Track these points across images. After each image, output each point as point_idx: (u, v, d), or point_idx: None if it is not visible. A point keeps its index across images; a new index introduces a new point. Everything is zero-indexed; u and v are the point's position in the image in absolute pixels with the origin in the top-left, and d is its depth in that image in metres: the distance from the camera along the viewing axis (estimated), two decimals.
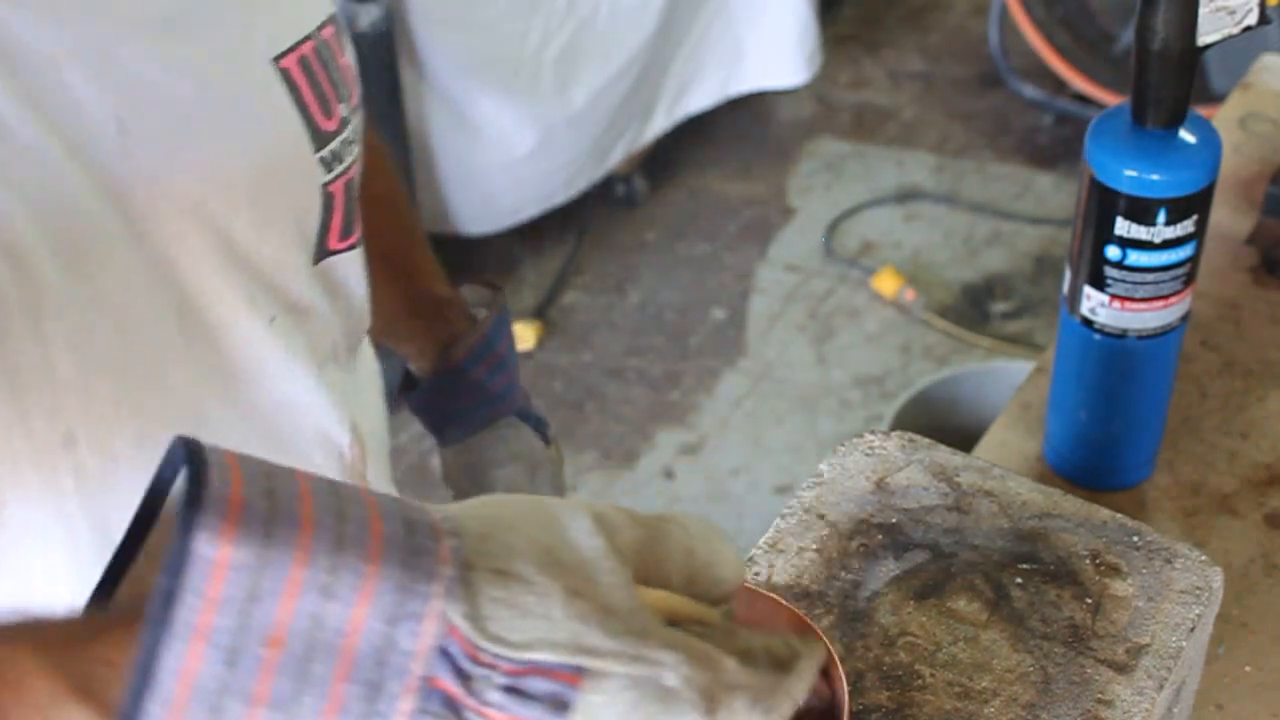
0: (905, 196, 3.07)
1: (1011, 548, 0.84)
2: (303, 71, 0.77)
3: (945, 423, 2.21)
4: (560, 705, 0.49)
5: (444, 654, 0.48)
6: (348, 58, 0.84)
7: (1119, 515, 0.86)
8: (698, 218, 3.06)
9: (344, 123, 0.80)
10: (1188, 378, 1.17)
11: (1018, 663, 0.79)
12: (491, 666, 0.49)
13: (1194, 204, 0.95)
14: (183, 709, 0.45)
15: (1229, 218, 1.31)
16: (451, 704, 0.48)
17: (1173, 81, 0.92)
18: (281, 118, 0.76)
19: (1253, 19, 0.90)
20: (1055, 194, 3.05)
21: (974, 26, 3.47)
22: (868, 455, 0.90)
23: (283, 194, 0.77)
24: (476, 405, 1.13)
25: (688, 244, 3.00)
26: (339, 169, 0.80)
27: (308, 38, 0.78)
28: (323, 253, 0.81)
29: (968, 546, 0.85)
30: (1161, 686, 0.77)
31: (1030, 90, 3.19)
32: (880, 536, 0.85)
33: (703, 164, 3.17)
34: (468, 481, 1.14)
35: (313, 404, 0.80)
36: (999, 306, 2.81)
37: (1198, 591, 0.82)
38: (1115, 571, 0.83)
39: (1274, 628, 1.00)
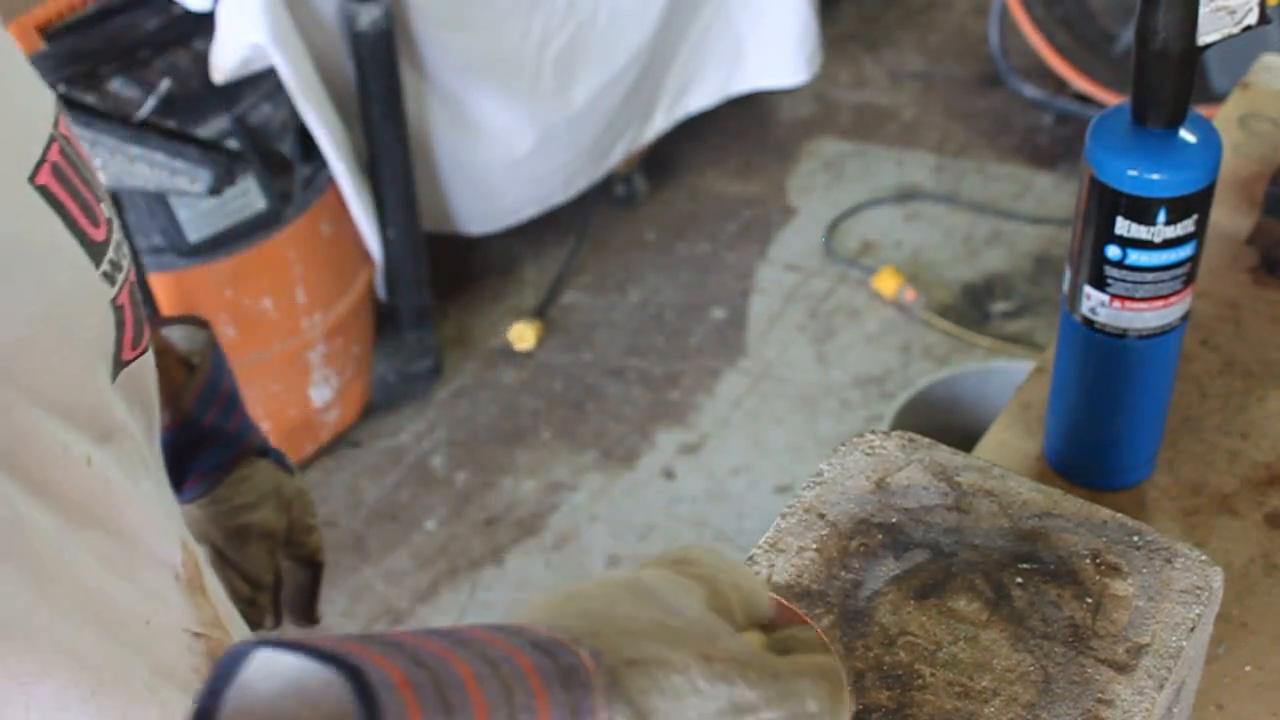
0: (905, 196, 3.07)
1: (1011, 547, 0.84)
2: (59, 182, 0.69)
3: (945, 423, 2.22)
4: None
5: None
6: (83, 145, 0.76)
7: (1119, 515, 0.86)
8: (698, 217, 3.06)
9: (110, 224, 0.73)
10: (1188, 378, 1.17)
11: (1018, 662, 0.79)
12: None
13: (1194, 204, 0.95)
14: None
15: (1229, 218, 1.31)
16: None
17: (1173, 81, 0.92)
18: (58, 245, 0.68)
19: (1253, 19, 0.90)
20: (1055, 194, 3.05)
21: (974, 26, 3.47)
22: (868, 455, 0.90)
23: (81, 329, 0.70)
24: (217, 450, 1.04)
25: (688, 244, 3.00)
26: (120, 277, 0.73)
27: (51, 140, 0.69)
28: (119, 366, 0.75)
29: (968, 546, 0.85)
30: (1161, 686, 0.77)
31: (1030, 90, 3.19)
32: (880, 536, 0.85)
33: (703, 164, 3.17)
34: (221, 532, 1.05)
35: (139, 529, 0.75)
36: (999, 306, 2.81)
37: (1198, 591, 0.82)
38: (1115, 571, 0.83)
39: (1274, 628, 1.00)
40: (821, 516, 0.87)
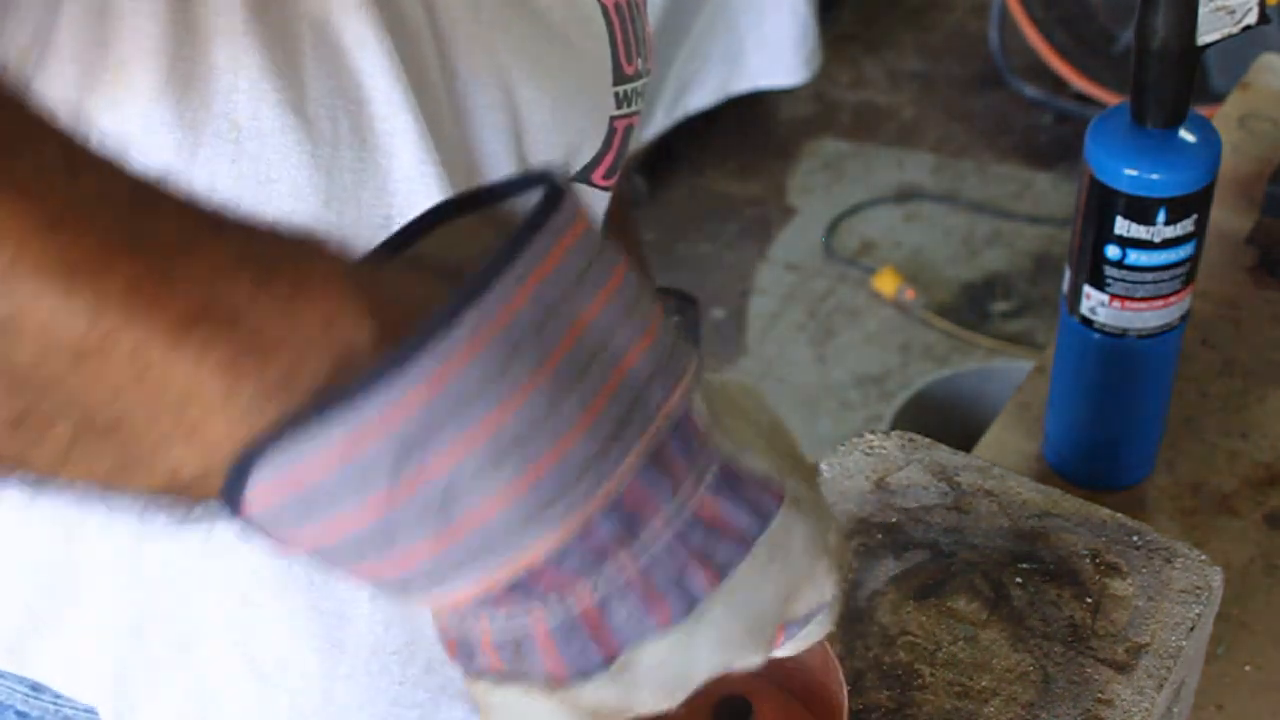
0: (905, 196, 3.07)
1: (1011, 547, 0.84)
2: (617, 14, 0.80)
3: (945, 423, 2.21)
4: (762, 514, 0.51)
5: (677, 427, 0.49)
6: (651, 27, 0.87)
7: (1119, 515, 0.86)
8: (698, 217, 3.06)
9: (639, 74, 0.83)
10: (1188, 378, 1.17)
11: (1017, 662, 0.79)
12: (710, 458, 0.50)
13: (1194, 203, 0.95)
14: (480, 346, 0.44)
15: (1229, 217, 1.31)
16: (671, 473, 0.49)
17: (1173, 81, 0.92)
18: (596, 43, 0.79)
19: (1252, 18, 0.90)
20: (1055, 194, 3.05)
21: (974, 26, 3.47)
22: (867, 455, 0.90)
23: (576, 107, 0.78)
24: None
25: (687, 243, 3.00)
26: (628, 109, 0.82)
27: None
28: (583, 180, 0.82)
29: (967, 546, 0.84)
30: (1161, 686, 0.77)
31: (1030, 90, 3.19)
32: (880, 536, 0.85)
33: (703, 164, 3.17)
34: None
35: None
36: (999, 306, 2.81)
37: (1197, 591, 0.82)
38: (1115, 571, 0.83)
39: (1274, 628, 1.00)
40: None
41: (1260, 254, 1.28)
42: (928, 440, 0.91)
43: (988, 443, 1.15)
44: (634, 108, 0.84)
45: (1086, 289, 1.00)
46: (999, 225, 2.99)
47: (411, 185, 0.71)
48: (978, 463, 0.90)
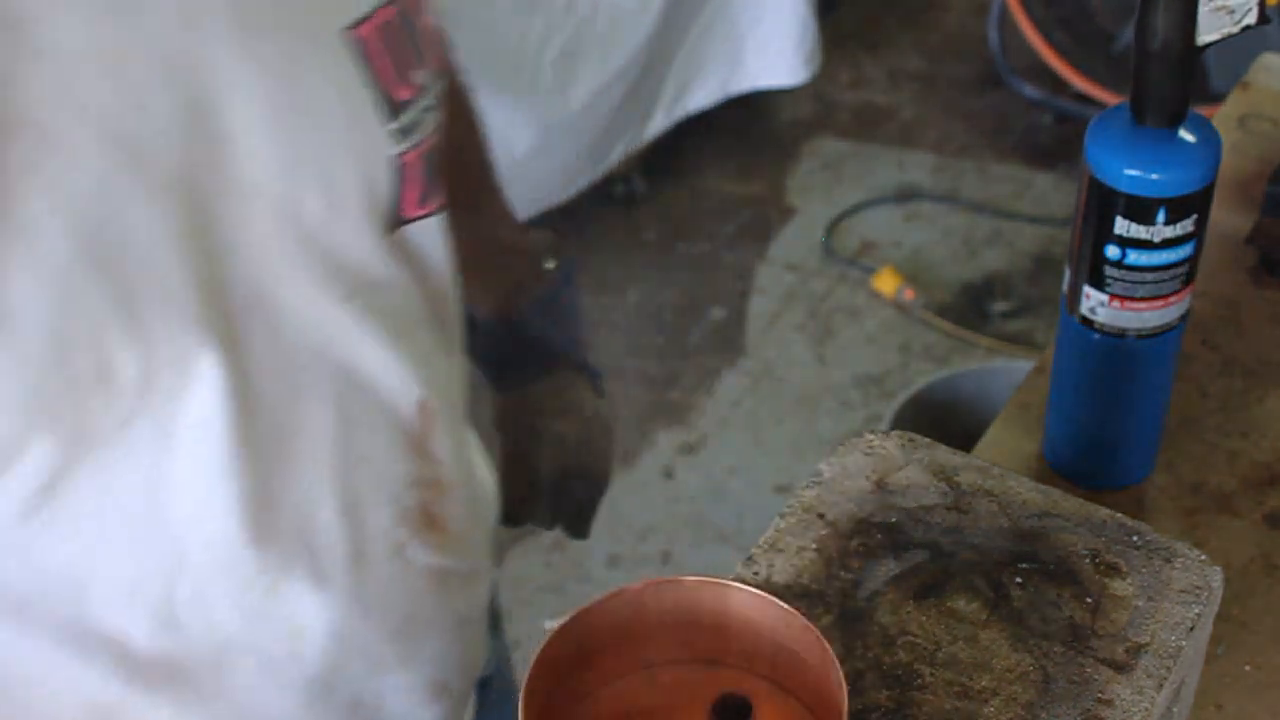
0: (905, 196, 3.07)
1: (1011, 547, 0.84)
2: (379, 39, 0.75)
3: (945, 423, 2.22)
4: None
5: None
6: (431, 16, 0.82)
7: (1118, 515, 0.86)
8: (697, 217, 3.06)
9: (422, 90, 0.79)
10: (1188, 378, 1.17)
11: (1017, 662, 0.79)
12: None
13: (1193, 203, 0.95)
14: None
15: (1229, 217, 1.31)
16: None
17: (1172, 81, 0.92)
18: (348, 91, 0.74)
19: (1252, 18, 0.90)
20: (1055, 194, 3.05)
21: (974, 26, 3.47)
22: (867, 455, 0.90)
23: (351, 169, 0.75)
24: (536, 356, 1.13)
25: (687, 243, 3.00)
26: (414, 139, 0.78)
27: (389, 3, 0.76)
28: (397, 221, 0.80)
29: (967, 546, 0.84)
30: (1161, 686, 0.77)
31: (1030, 90, 3.19)
32: (880, 536, 0.85)
33: (702, 164, 3.17)
34: (519, 430, 1.13)
35: (380, 376, 0.80)
36: (999, 306, 2.81)
37: (1197, 591, 0.82)
38: (1115, 571, 0.83)
39: (1274, 628, 1.00)
40: (821, 516, 0.86)
41: (1260, 254, 1.28)
42: (928, 440, 0.91)
43: (988, 443, 1.15)
44: (422, 133, 0.79)
45: (1086, 289, 1.00)
46: (999, 225, 2.99)
47: None
48: (978, 463, 0.90)
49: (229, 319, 0.72)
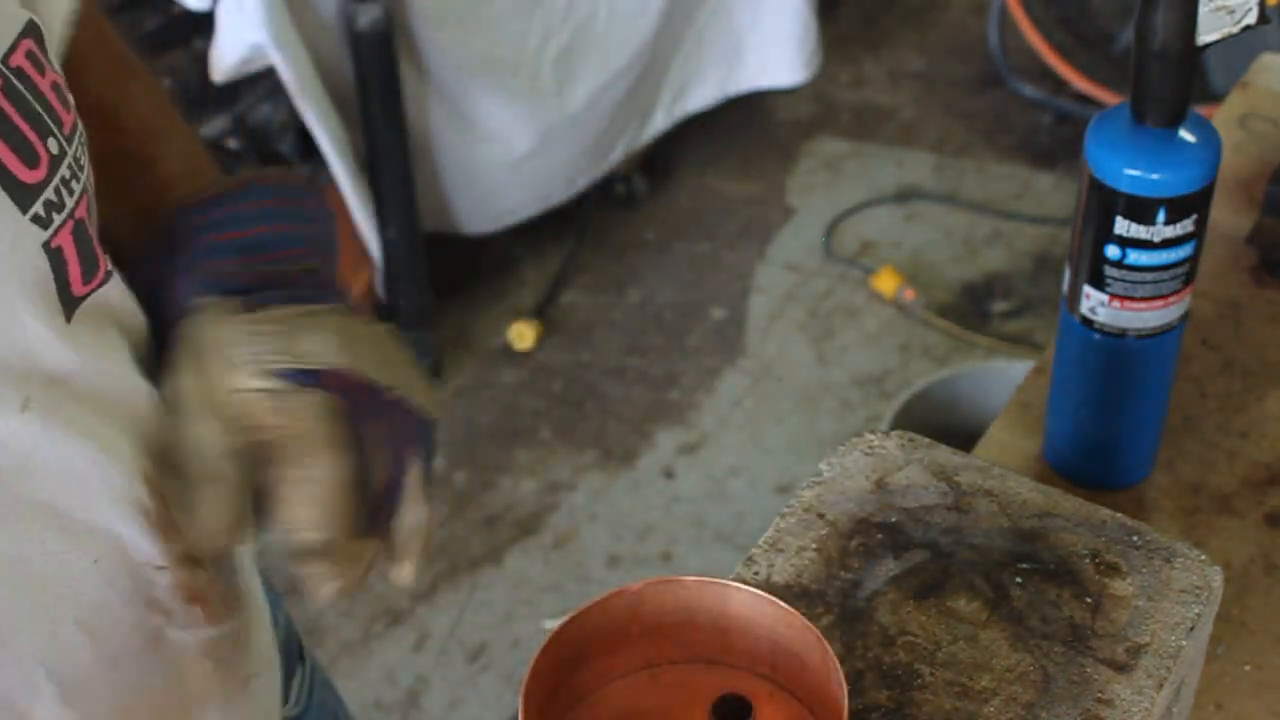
0: (905, 196, 3.07)
1: (1011, 547, 0.84)
2: (6, 98, 0.67)
3: (945, 423, 2.22)
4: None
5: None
6: (54, 70, 0.72)
7: (1119, 515, 0.86)
8: (697, 217, 3.06)
9: (56, 161, 0.70)
10: (1188, 378, 1.17)
11: (1017, 662, 0.79)
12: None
13: (1194, 203, 0.95)
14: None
15: (1229, 217, 1.31)
16: None
17: (1172, 81, 0.92)
18: None
19: (1252, 18, 0.90)
20: (1055, 194, 3.05)
21: (974, 26, 3.47)
22: (867, 455, 0.90)
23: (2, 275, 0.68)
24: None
25: (687, 243, 3.00)
26: (60, 218, 0.71)
27: None
28: (72, 304, 0.72)
29: (967, 546, 0.84)
30: (1161, 686, 0.77)
31: (1030, 90, 3.19)
32: (880, 536, 0.85)
33: (703, 164, 3.17)
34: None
35: (93, 471, 0.73)
36: (999, 306, 2.81)
37: (1197, 591, 0.82)
38: (1115, 571, 0.83)
39: (1274, 628, 1.00)
40: (821, 516, 0.86)
41: (1260, 254, 1.28)
42: (928, 440, 0.91)
43: (988, 443, 1.15)
44: (68, 209, 0.71)
45: (1086, 289, 1.00)
46: (999, 225, 2.99)
47: None
48: (978, 463, 0.90)
49: None
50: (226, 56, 2.22)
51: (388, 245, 2.52)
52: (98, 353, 0.75)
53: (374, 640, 2.30)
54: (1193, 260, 0.98)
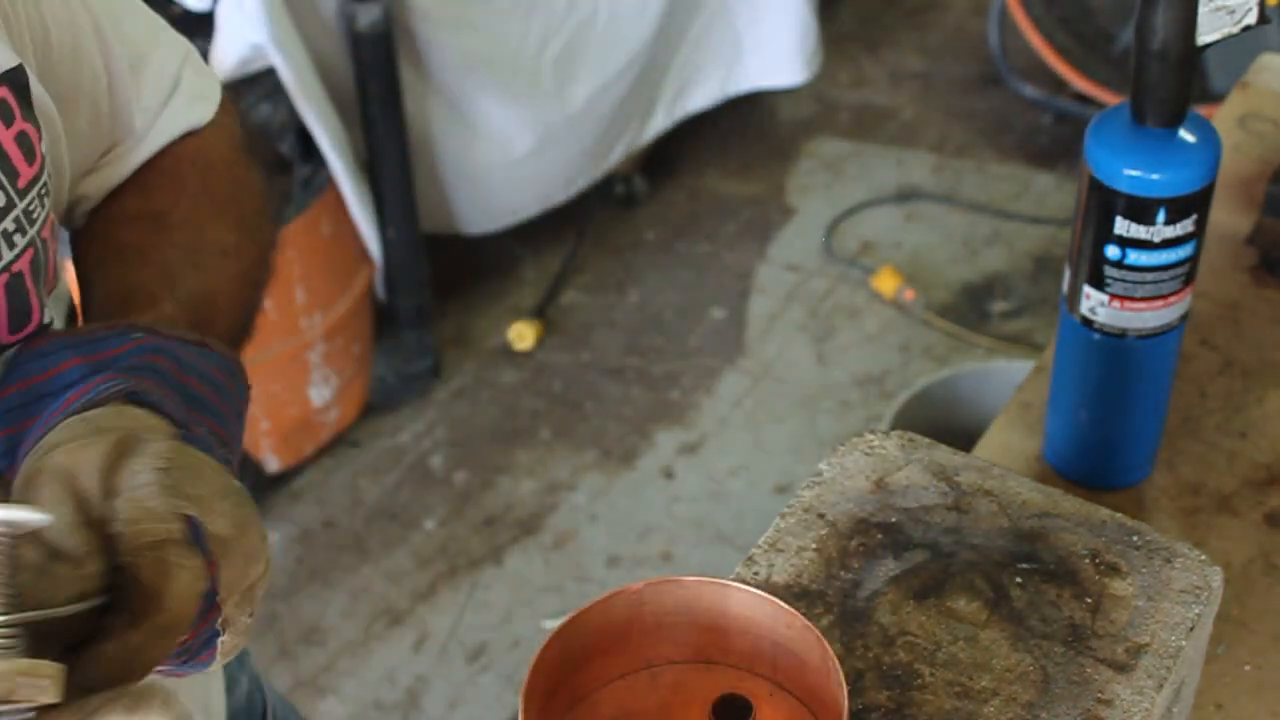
0: (905, 196, 3.07)
1: (1011, 547, 0.84)
2: None
3: (945, 423, 2.21)
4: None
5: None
6: (25, 121, 0.72)
7: (1119, 515, 0.86)
8: (698, 217, 3.06)
9: (16, 197, 0.70)
10: (1188, 378, 1.17)
11: (1017, 662, 0.79)
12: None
13: (1194, 203, 0.95)
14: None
15: (1229, 218, 1.31)
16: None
17: (1172, 81, 0.92)
18: None
19: (1252, 18, 0.90)
20: (1055, 194, 3.05)
21: (974, 26, 3.47)
22: (867, 455, 0.90)
23: None
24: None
25: (687, 243, 2.99)
26: (13, 252, 0.70)
27: None
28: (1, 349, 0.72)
29: (967, 546, 0.84)
30: (1161, 686, 0.77)
31: (1030, 90, 3.18)
32: (880, 536, 0.85)
33: (703, 164, 3.17)
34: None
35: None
36: (999, 306, 2.81)
37: (1197, 591, 0.82)
38: (1115, 571, 0.83)
39: (1274, 628, 1.00)
40: (821, 516, 0.86)
41: (1260, 254, 1.28)
42: (928, 440, 0.91)
43: (988, 443, 1.15)
44: (4, 261, 0.70)
45: (1086, 289, 1.00)
46: (999, 225, 2.99)
47: None
48: (978, 463, 0.90)
49: None
50: (226, 57, 2.22)
51: (388, 245, 2.52)
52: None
53: (374, 640, 2.30)
54: (1193, 260, 0.98)
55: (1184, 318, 1.01)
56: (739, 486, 2.51)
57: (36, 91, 0.74)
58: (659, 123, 2.94)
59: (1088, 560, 0.83)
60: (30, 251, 0.72)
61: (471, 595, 2.36)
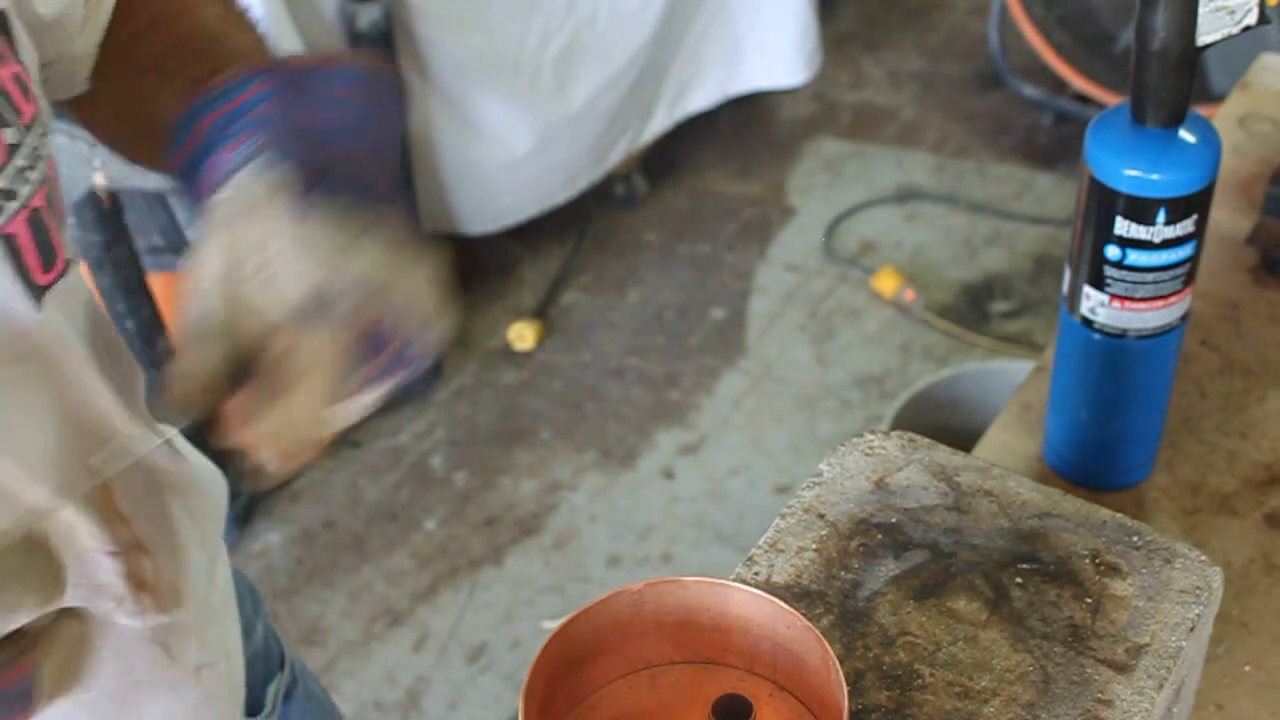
0: (905, 196, 3.07)
1: (1011, 548, 0.84)
2: None
3: (945, 423, 2.22)
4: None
5: None
6: (16, 64, 0.73)
7: (1119, 515, 0.86)
8: (698, 218, 3.06)
9: (11, 150, 0.71)
10: (1188, 378, 1.17)
11: (1017, 662, 0.79)
12: None
13: (1194, 204, 0.95)
14: None
15: (1229, 218, 1.31)
16: None
17: (1172, 81, 0.92)
18: None
19: (1252, 19, 0.90)
20: (1055, 194, 3.05)
21: (974, 26, 3.47)
22: (867, 455, 0.90)
23: None
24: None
25: (688, 244, 3.00)
26: (14, 205, 0.71)
27: None
28: (38, 292, 0.74)
29: (967, 546, 0.85)
30: (1161, 686, 0.77)
31: (1030, 90, 3.18)
32: (880, 536, 0.85)
33: (703, 164, 3.17)
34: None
35: (44, 453, 0.75)
36: (999, 306, 2.81)
37: (1198, 591, 0.82)
38: (1115, 571, 0.83)
39: (1274, 628, 1.00)
40: (821, 517, 0.87)
41: (1260, 254, 1.28)
42: (928, 440, 0.91)
43: (988, 443, 1.15)
44: (21, 199, 0.72)
45: (1086, 289, 1.00)
46: (999, 225, 2.99)
47: None
48: (978, 463, 0.90)
49: None
50: None
51: None
52: (63, 344, 0.76)
53: (374, 640, 2.30)
54: (1193, 261, 0.98)
55: (1184, 318, 1.01)
56: (739, 486, 2.51)
57: (17, 29, 0.75)
58: (659, 123, 2.94)
59: (1088, 560, 0.83)
60: (44, 187, 0.74)
61: (471, 595, 2.36)
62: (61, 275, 0.75)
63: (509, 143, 2.65)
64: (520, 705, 0.70)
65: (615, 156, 2.88)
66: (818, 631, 0.72)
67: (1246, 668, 0.98)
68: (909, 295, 2.78)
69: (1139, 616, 0.80)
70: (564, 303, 2.87)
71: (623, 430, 2.62)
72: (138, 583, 0.80)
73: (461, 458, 2.58)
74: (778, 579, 0.83)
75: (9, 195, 0.71)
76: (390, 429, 2.64)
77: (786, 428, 2.60)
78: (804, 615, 0.73)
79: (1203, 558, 0.83)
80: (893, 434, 0.92)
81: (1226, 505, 1.08)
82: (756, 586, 0.77)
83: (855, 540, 0.85)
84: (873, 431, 0.92)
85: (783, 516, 0.87)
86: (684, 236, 3.01)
